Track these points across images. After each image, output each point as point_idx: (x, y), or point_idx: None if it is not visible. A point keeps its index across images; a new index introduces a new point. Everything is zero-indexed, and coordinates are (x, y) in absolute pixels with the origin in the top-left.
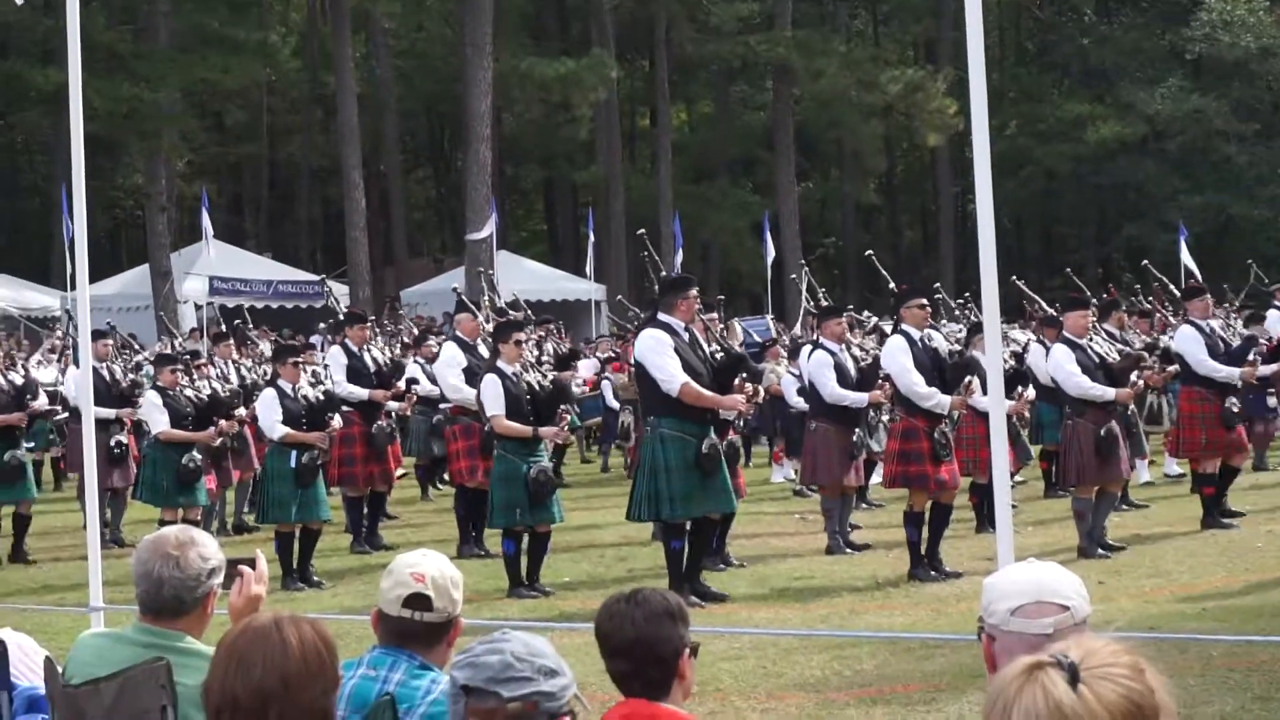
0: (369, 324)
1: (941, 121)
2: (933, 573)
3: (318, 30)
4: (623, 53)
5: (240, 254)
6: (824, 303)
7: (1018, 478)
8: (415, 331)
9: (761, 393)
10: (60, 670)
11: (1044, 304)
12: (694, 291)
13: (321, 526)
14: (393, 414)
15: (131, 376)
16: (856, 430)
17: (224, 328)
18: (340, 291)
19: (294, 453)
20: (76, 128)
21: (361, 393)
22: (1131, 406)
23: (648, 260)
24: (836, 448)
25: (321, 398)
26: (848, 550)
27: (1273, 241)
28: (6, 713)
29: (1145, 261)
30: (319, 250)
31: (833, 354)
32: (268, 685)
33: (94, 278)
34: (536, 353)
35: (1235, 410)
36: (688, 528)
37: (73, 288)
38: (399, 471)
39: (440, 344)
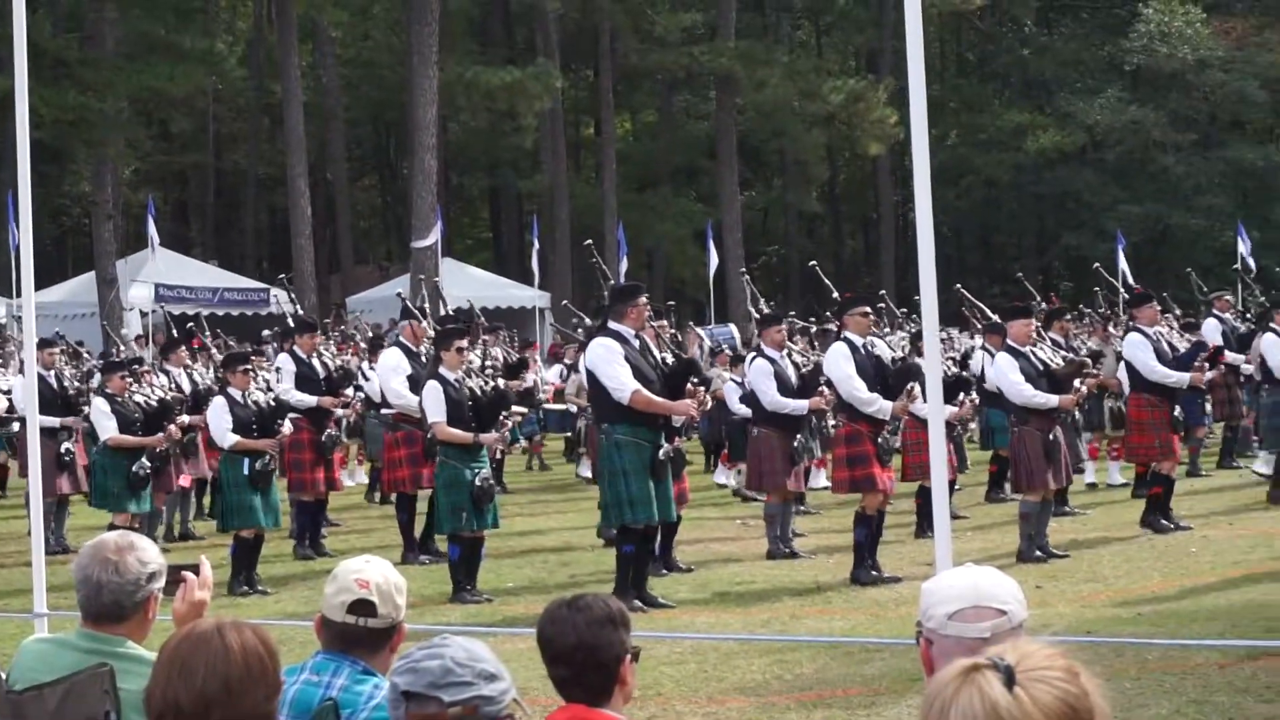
0: (317, 331)
1: (883, 131)
2: (874, 573)
3: (264, 38)
4: (568, 62)
5: (186, 261)
6: (765, 310)
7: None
8: (369, 335)
9: (709, 399)
10: (4, 676)
11: (987, 310)
12: (643, 299)
13: (264, 533)
14: (341, 420)
15: (77, 385)
16: (798, 436)
17: (175, 334)
18: (285, 299)
19: (246, 460)
20: (23, 135)
21: (310, 400)
22: (1076, 414)
23: (596, 268)
24: (779, 453)
25: (271, 404)
26: (789, 555)
27: (1209, 251)
28: None
29: (1096, 265)
30: (265, 258)
31: (773, 361)
32: (210, 691)
33: (40, 285)
34: (482, 359)
35: (1180, 417)
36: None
37: (18, 295)
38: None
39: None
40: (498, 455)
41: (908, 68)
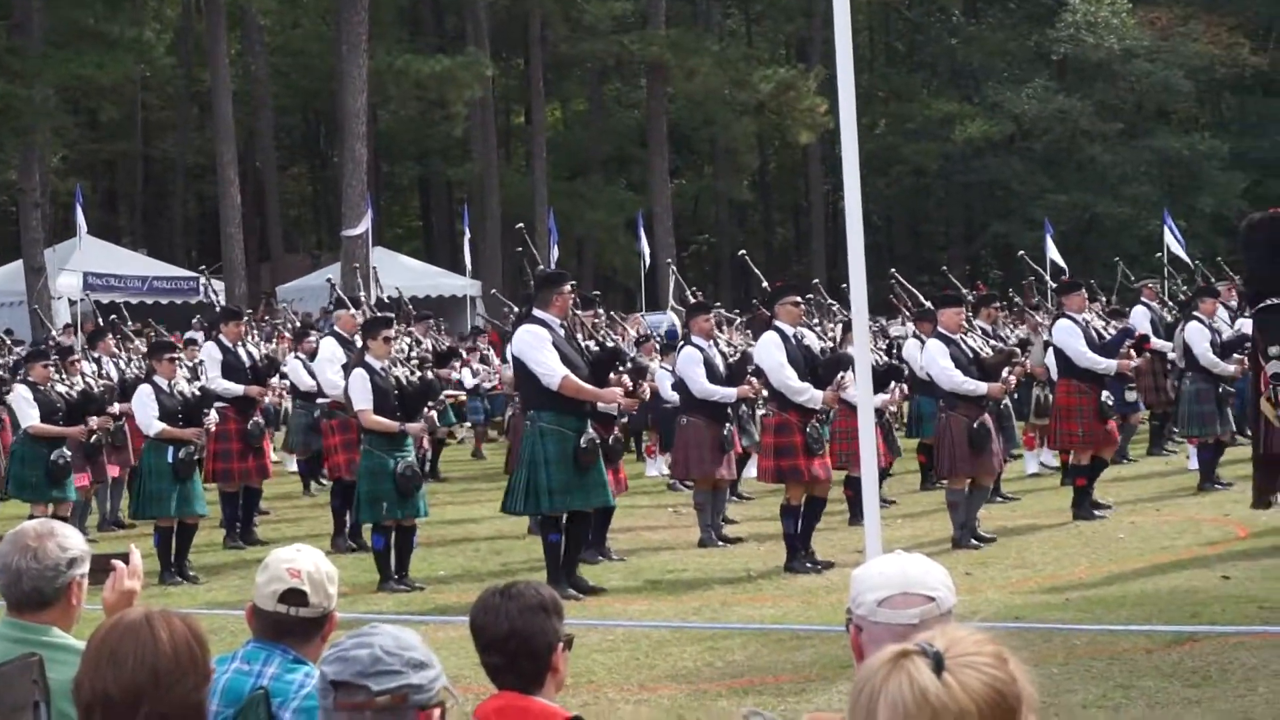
0: (244, 320)
1: (813, 120)
2: (807, 564)
3: (193, 26)
4: (498, 51)
5: (115, 250)
6: (693, 299)
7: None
8: (297, 325)
9: (646, 388)
10: None
11: (920, 296)
12: (568, 287)
13: (197, 521)
14: (267, 408)
15: (1, 374)
16: (727, 424)
17: (100, 323)
18: (214, 287)
19: (171, 448)
20: None
21: (236, 388)
22: (1006, 401)
23: (525, 255)
24: (708, 441)
25: (197, 393)
26: (720, 543)
27: (1135, 239)
28: None
29: (1022, 253)
30: (194, 247)
31: (701, 350)
32: (139, 681)
33: None
34: (410, 348)
35: (1110, 403)
36: (564, 521)
37: None
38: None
39: (319, 340)
40: (426, 445)
41: (836, 57)
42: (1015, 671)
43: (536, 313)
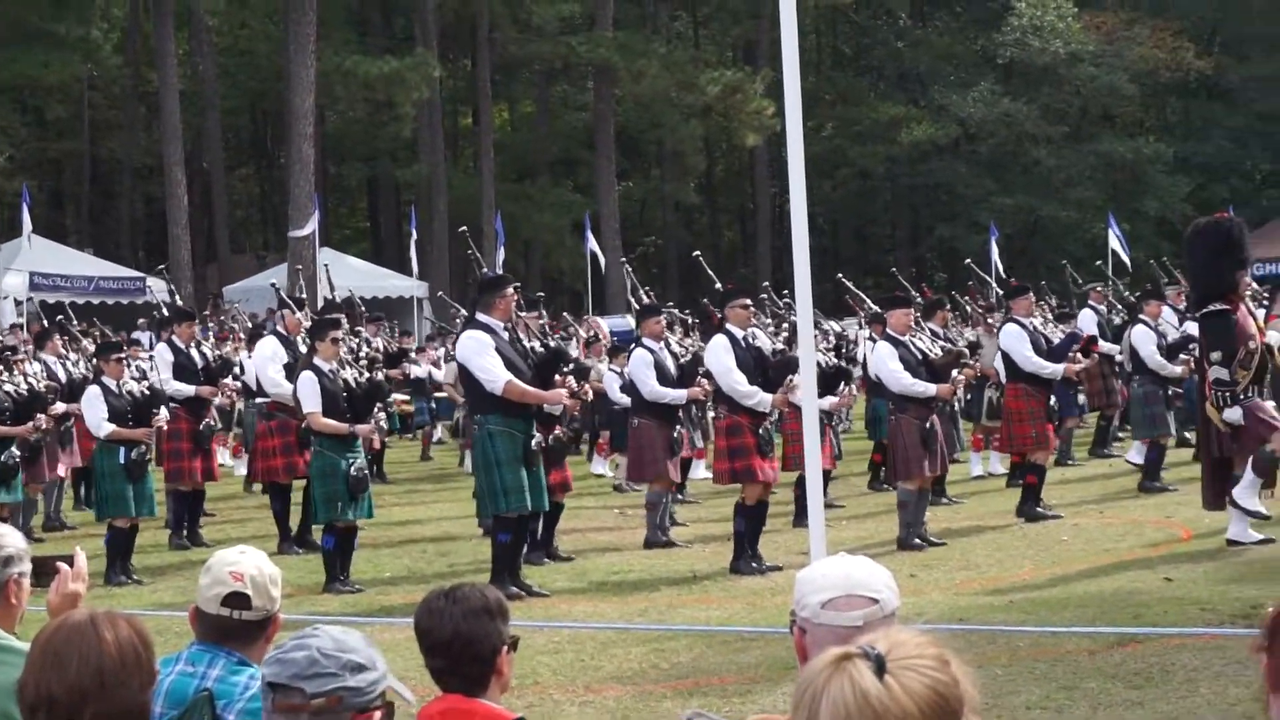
0: (195, 321)
1: (759, 122)
2: (753, 566)
3: (140, 26)
4: (445, 52)
5: (61, 250)
6: (645, 301)
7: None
8: (249, 326)
9: (590, 389)
10: None
11: (867, 300)
12: (511, 290)
13: (138, 523)
14: (220, 410)
15: None
16: (677, 426)
17: (46, 324)
18: (160, 288)
19: (123, 449)
20: None
21: (188, 389)
22: (953, 403)
23: (471, 258)
24: (659, 443)
25: (146, 393)
26: (667, 544)
27: (1080, 242)
28: None
29: (968, 261)
30: (141, 247)
31: (652, 352)
32: (83, 683)
33: None
34: (358, 350)
35: (1055, 407)
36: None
37: None
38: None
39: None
40: (376, 446)
41: (783, 60)
42: (957, 673)
43: (480, 317)
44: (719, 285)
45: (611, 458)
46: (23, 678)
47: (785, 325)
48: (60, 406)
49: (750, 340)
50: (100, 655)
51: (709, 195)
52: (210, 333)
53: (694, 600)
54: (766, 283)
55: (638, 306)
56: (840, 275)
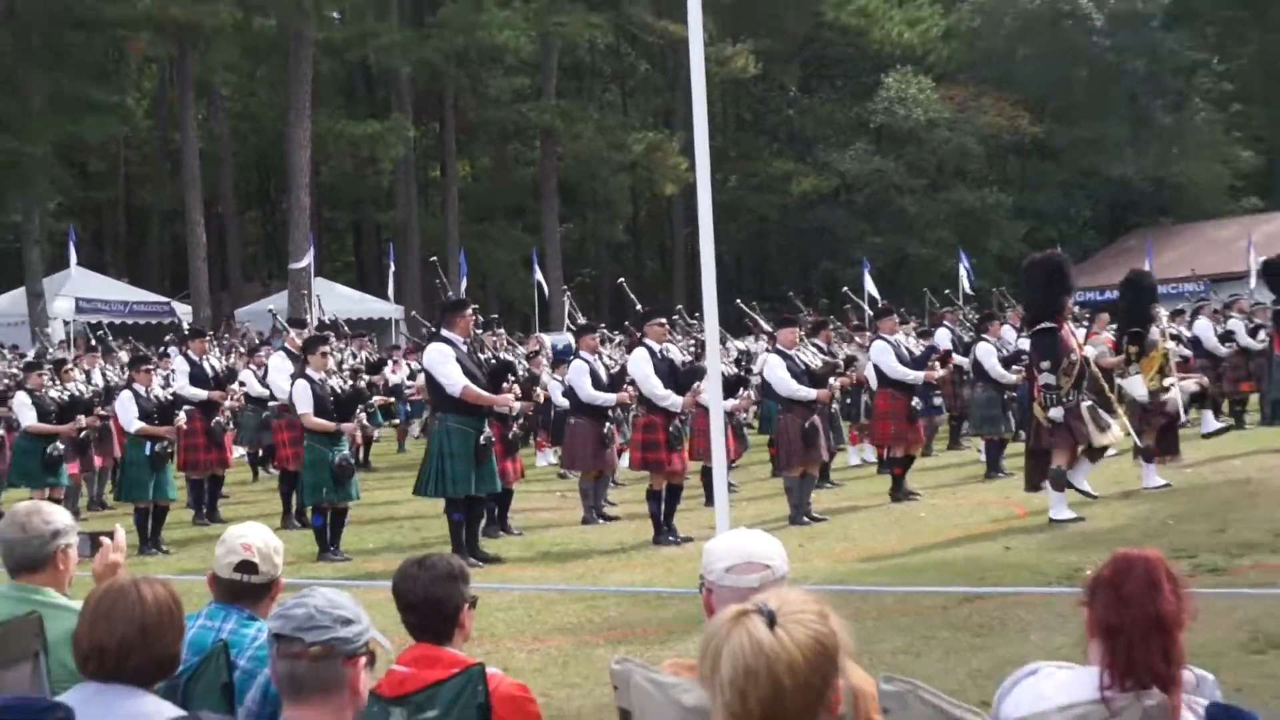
0: (208, 338)
1: (676, 175)
2: (670, 538)
3: (167, 95)
4: (419, 116)
5: (101, 279)
6: (581, 322)
7: (738, 462)
8: (253, 344)
9: (541, 393)
10: None
11: (762, 322)
12: (469, 311)
13: (169, 504)
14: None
15: (6, 381)
16: (607, 424)
17: (90, 341)
18: (184, 311)
19: (148, 443)
20: None
21: (201, 394)
22: (835, 406)
23: (440, 285)
24: (591, 439)
25: (170, 398)
26: (600, 520)
27: (937, 275)
28: None
29: (845, 288)
30: (167, 276)
31: (588, 363)
32: (129, 635)
33: None
34: (342, 361)
35: (918, 408)
36: (465, 502)
37: None
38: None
39: (270, 356)
40: (359, 440)
41: (694, 124)
42: (835, 625)
43: (443, 332)
44: (640, 308)
45: (554, 449)
46: (77, 631)
47: (693, 342)
48: (100, 409)
49: (664, 353)
50: (142, 613)
51: (634, 235)
52: (217, 348)
53: (622, 566)
54: (680, 306)
55: (575, 326)
56: (739, 300)
